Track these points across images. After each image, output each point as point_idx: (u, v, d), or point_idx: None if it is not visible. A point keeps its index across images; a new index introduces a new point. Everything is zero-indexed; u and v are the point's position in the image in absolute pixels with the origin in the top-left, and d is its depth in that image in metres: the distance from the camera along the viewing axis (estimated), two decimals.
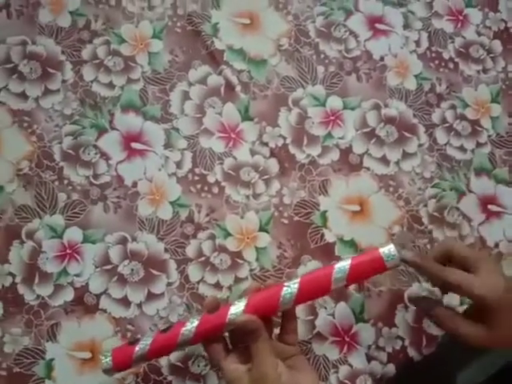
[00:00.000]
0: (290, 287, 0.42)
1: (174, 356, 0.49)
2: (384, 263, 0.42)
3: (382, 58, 0.59)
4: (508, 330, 0.42)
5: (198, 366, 0.49)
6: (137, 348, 0.42)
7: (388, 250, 0.43)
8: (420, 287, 0.53)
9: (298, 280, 0.42)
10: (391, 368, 0.51)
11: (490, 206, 0.56)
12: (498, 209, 0.56)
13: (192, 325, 0.42)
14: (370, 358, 0.51)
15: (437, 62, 0.60)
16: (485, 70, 0.60)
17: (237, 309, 0.42)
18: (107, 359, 0.42)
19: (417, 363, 0.53)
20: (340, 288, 0.43)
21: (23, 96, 0.54)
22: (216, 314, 0.42)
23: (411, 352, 0.52)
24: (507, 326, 0.42)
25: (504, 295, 0.42)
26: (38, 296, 0.50)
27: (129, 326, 0.50)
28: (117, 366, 0.42)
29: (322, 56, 0.59)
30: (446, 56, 0.60)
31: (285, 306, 0.42)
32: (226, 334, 0.43)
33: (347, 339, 0.51)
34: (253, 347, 0.40)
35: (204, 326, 0.42)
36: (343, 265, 0.42)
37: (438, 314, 0.46)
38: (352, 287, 0.52)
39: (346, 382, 0.50)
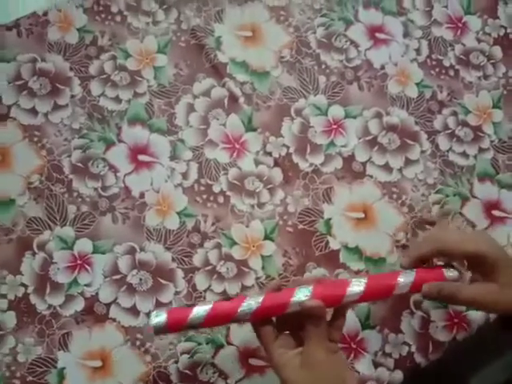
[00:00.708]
0: (358, 284, 0.43)
1: (183, 363, 0.50)
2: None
3: (382, 67, 0.60)
4: None
5: (207, 373, 0.50)
6: (193, 312, 0.42)
7: (452, 272, 0.45)
8: None
9: (365, 279, 0.43)
10: (398, 374, 0.51)
11: (494, 212, 0.57)
12: (502, 214, 0.57)
13: (256, 300, 0.42)
14: (376, 365, 0.51)
15: (437, 69, 0.61)
16: (485, 76, 0.61)
17: (301, 293, 0.42)
18: (159, 318, 0.42)
19: (425, 368, 0.53)
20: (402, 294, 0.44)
21: (33, 111, 0.56)
22: (280, 294, 0.43)
23: (418, 358, 0.52)
24: None
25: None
26: (50, 306, 0.51)
27: (138, 335, 0.51)
28: (169, 326, 0.42)
29: (324, 66, 0.60)
30: (446, 63, 0.61)
31: (348, 300, 0.43)
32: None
33: (354, 346, 0.52)
34: (312, 332, 0.41)
35: (267, 303, 0.42)
36: (410, 273, 0.44)
37: (449, 289, 0.45)
38: None
39: None
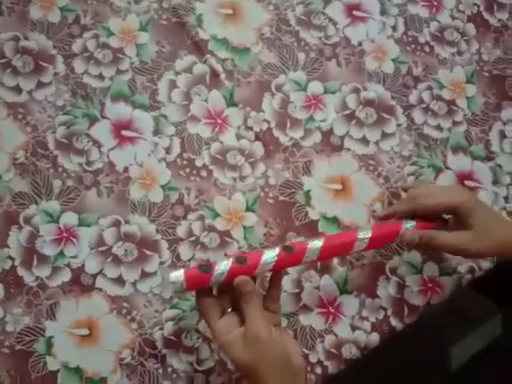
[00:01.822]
0: (364, 234, 0.48)
1: (168, 330, 0.52)
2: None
3: (360, 44, 0.62)
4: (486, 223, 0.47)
5: (191, 339, 0.52)
6: (212, 279, 0.43)
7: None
8: (400, 260, 0.55)
9: (370, 229, 0.48)
10: (375, 337, 0.54)
11: (466, 182, 0.59)
12: (475, 184, 0.59)
13: (273, 253, 0.45)
14: (354, 328, 0.54)
15: (413, 45, 0.63)
16: (459, 53, 0.63)
17: (311, 250, 0.46)
18: (180, 280, 0.43)
19: (402, 333, 0.55)
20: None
21: (17, 89, 0.57)
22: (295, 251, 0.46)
23: (394, 321, 0.54)
24: (485, 220, 0.47)
25: (471, 199, 0.48)
26: (37, 277, 0.52)
27: (124, 304, 0.52)
28: (189, 289, 0.44)
29: (303, 43, 0.61)
30: (421, 40, 0.63)
31: (359, 248, 0.48)
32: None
33: (332, 310, 0.54)
34: (246, 309, 0.43)
35: (281, 258, 0.45)
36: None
37: (428, 235, 0.49)
38: (336, 261, 0.55)
39: (332, 350, 0.53)
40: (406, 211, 0.50)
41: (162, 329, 0.52)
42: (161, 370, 0.51)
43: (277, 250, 0.45)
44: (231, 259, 0.44)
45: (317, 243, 0.47)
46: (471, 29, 0.64)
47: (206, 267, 0.44)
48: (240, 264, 0.44)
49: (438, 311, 0.57)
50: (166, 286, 0.52)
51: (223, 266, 0.44)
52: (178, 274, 0.44)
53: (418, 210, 0.50)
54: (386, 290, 0.55)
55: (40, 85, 0.57)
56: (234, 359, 0.43)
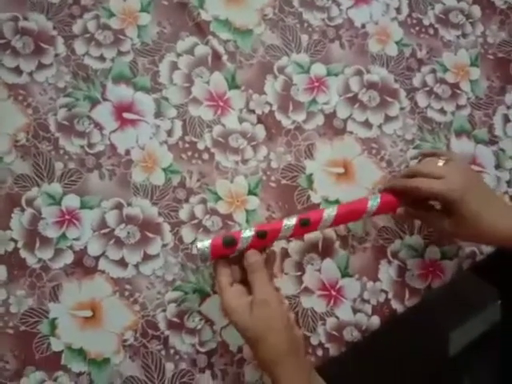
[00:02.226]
0: (374, 200, 0.50)
1: (170, 312, 0.52)
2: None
3: (363, 26, 0.61)
4: (472, 213, 0.48)
5: (193, 321, 0.52)
6: (235, 251, 0.47)
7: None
8: (402, 243, 0.56)
9: (379, 195, 0.51)
10: (376, 320, 0.54)
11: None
12: (478, 168, 0.59)
13: (291, 221, 0.48)
14: (355, 311, 0.54)
15: (417, 28, 0.62)
16: (464, 35, 0.62)
17: (327, 211, 0.49)
18: (205, 250, 0.46)
19: (403, 316, 0.56)
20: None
21: (17, 70, 0.56)
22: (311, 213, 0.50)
23: (394, 304, 0.54)
24: (470, 211, 0.47)
25: (464, 188, 0.48)
26: (40, 260, 0.53)
27: (127, 286, 0.52)
28: (213, 258, 0.47)
29: (306, 25, 0.60)
30: (426, 22, 0.62)
31: (369, 214, 0.51)
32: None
33: (333, 293, 0.54)
34: (253, 277, 0.45)
35: (298, 225, 0.48)
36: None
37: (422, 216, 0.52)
38: (337, 244, 0.55)
39: (334, 333, 0.53)
40: (400, 190, 0.51)
41: (164, 311, 0.52)
42: (163, 352, 0.52)
43: (294, 222, 0.48)
44: (253, 233, 0.47)
45: (331, 212, 0.49)
46: (477, 11, 0.63)
47: (231, 240, 0.47)
48: (261, 238, 0.47)
49: (438, 295, 0.57)
50: (193, 252, 0.54)
51: (245, 240, 0.47)
52: (205, 244, 0.47)
53: (407, 190, 0.50)
54: (388, 273, 0.55)
55: (41, 66, 0.56)
56: (242, 324, 0.45)
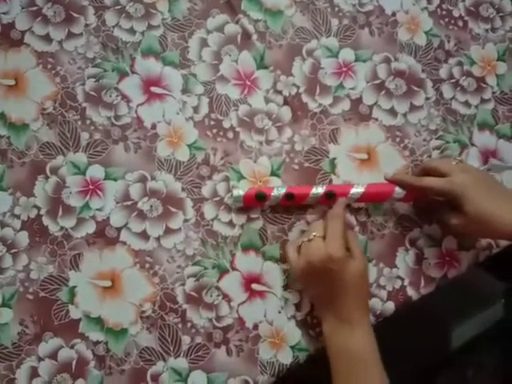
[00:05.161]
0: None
1: (189, 286, 0.53)
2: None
3: (393, 14, 0.61)
4: (476, 210, 0.48)
5: (211, 296, 0.53)
6: (263, 205, 0.54)
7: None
8: (420, 232, 0.56)
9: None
10: (390, 305, 0.55)
11: (490, 159, 0.59)
12: (499, 162, 0.59)
13: (317, 191, 0.53)
14: (370, 295, 0.55)
15: (447, 19, 0.62)
16: (493, 29, 0.62)
17: (355, 188, 0.53)
18: (239, 198, 0.52)
19: (415, 304, 0.56)
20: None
21: (47, 38, 0.56)
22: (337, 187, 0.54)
23: (410, 291, 0.55)
24: (475, 207, 0.48)
25: (466, 185, 0.49)
26: (62, 228, 0.53)
27: (147, 258, 0.53)
28: (244, 206, 0.54)
29: (337, 9, 0.60)
30: (456, 14, 0.62)
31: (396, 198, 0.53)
32: None
33: None
34: (329, 224, 0.49)
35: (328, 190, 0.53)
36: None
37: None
38: (356, 229, 0.55)
39: None
40: (409, 185, 0.52)
41: (183, 284, 0.53)
42: (180, 325, 0.52)
43: (321, 192, 0.52)
44: (282, 193, 0.52)
45: (358, 190, 0.53)
46: (507, 5, 0.63)
47: (262, 196, 0.53)
48: (288, 200, 0.52)
49: (448, 287, 0.58)
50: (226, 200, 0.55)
51: (275, 198, 0.53)
52: (239, 193, 0.53)
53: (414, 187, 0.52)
54: (405, 260, 0.55)
55: (70, 35, 0.56)
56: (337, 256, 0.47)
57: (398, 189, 0.52)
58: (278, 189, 0.52)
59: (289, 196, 0.52)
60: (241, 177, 0.56)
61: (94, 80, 0.56)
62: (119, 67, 0.56)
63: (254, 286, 0.53)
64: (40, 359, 0.51)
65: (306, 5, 0.60)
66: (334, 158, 0.57)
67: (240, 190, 0.53)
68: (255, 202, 0.53)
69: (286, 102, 0.57)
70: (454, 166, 0.51)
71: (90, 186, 0.54)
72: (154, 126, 0.56)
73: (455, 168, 0.50)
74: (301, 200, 0.53)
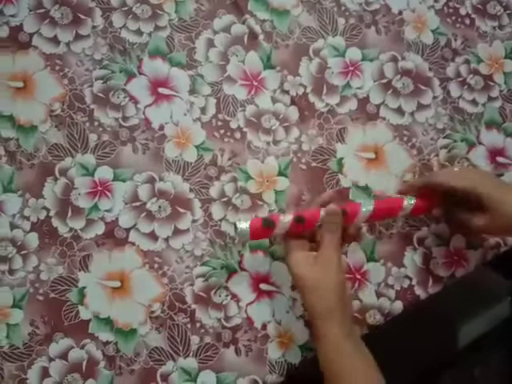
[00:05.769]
0: (409, 202, 0.51)
1: (198, 286, 0.53)
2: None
3: (400, 12, 0.61)
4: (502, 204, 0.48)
5: (220, 296, 0.53)
6: (273, 233, 0.49)
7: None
8: (428, 231, 0.56)
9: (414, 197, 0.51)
10: (398, 305, 0.55)
11: (498, 158, 0.59)
12: (506, 161, 0.59)
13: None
14: (379, 295, 0.55)
15: (454, 17, 0.62)
16: (500, 27, 0.62)
17: (365, 205, 0.50)
18: (245, 230, 0.48)
19: (422, 303, 0.56)
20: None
21: (55, 40, 0.56)
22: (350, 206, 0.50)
23: (418, 291, 0.55)
24: (498, 202, 0.48)
25: (488, 183, 0.49)
26: (71, 229, 0.53)
27: (156, 258, 0.53)
28: (252, 239, 0.49)
29: (343, 8, 0.60)
30: (462, 12, 0.62)
31: (404, 214, 0.51)
32: None
33: (358, 276, 0.55)
34: (325, 236, 0.47)
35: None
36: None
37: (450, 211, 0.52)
38: (364, 228, 0.55)
39: (356, 315, 0.54)
40: (420, 187, 0.52)
41: (192, 285, 0.53)
42: (189, 325, 0.53)
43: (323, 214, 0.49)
44: (291, 218, 0.48)
45: (367, 209, 0.50)
46: None
47: (270, 222, 0.48)
48: (298, 223, 0.48)
49: (455, 286, 0.58)
50: (234, 233, 0.54)
51: (284, 224, 0.48)
52: (245, 225, 0.48)
53: (431, 188, 0.51)
54: (413, 259, 0.55)
55: (78, 37, 0.57)
56: (298, 274, 0.47)
57: (407, 201, 0.51)
58: (284, 215, 0.48)
59: (298, 219, 0.48)
60: (248, 177, 0.56)
61: (101, 81, 0.56)
62: (127, 68, 0.56)
63: (263, 286, 0.54)
64: (51, 359, 0.51)
65: (312, 4, 0.60)
66: (342, 158, 0.57)
67: (244, 223, 0.48)
68: (262, 232, 0.49)
69: (293, 102, 0.57)
70: (461, 167, 0.51)
71: (99, 188, 0.54)
72: (161, 127, 0.56)
73: (462, 168, 0.50)
74: (312, 223, 0.48)
